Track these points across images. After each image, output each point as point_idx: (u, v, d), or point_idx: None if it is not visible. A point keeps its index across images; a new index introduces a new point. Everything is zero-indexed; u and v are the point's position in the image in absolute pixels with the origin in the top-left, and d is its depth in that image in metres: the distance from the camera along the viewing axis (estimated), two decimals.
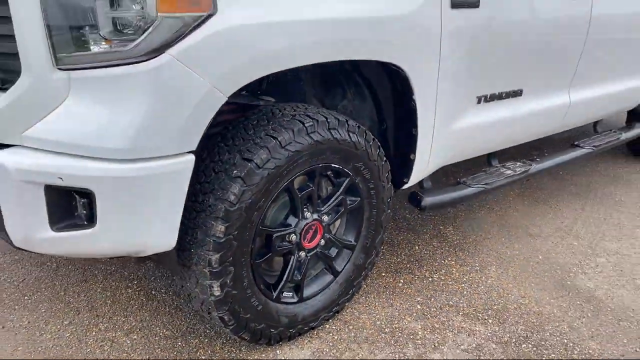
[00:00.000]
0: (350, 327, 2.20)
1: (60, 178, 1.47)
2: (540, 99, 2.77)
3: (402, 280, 2.55)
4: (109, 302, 2.27)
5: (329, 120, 1.86)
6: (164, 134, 1.48)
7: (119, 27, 1.47)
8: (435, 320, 2.28)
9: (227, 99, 1.55)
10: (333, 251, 2.13)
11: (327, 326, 2.19)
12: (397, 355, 2.06)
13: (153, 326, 2.14)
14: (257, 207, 1.73)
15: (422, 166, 2.28)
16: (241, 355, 2.02)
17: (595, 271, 2.74)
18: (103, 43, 1.48)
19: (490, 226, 3.15)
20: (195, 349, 2.04)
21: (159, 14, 1.41)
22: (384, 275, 2.58)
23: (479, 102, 2.45)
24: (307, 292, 2.08)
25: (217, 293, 1.75)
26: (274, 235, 1.88)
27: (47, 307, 2.22)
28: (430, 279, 2.58)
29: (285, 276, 1.98)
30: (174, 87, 1.47)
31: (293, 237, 1.94)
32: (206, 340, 2.09)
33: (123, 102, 1.46)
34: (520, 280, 2.62)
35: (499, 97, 2.54)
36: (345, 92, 2.30)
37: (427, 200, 2.42)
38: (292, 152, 1.75)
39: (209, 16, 1.47)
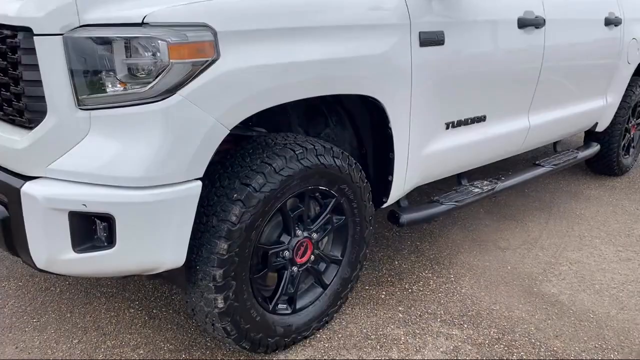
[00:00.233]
0: (340, 336, 2.40)
1: (84, 205, 1.66)
2: (502, 124, 3.06)
3: (384, 292, 2.77)
4: (114, 321, 2.43)
5: (316, 147, 2.09)
6: (176, 163, 1.69)
7: (133, 72, 1.69)
8: (416, 326, 2.50)
9: (229, 131, 1.78)
10: (322, 266, 2.35)
11: (318, 335, 2.39)
12: (383, 359, 2.27)
13: (157, 341, 2.30)
14: (255, 226, 1.94)
15: (399, 186, 2.53)
16: None
17: (559, 278, 3.01)
18: (118, 85, 1.69)
19: (463, 241, 3.40)
20: None
21: (171, 60, 1.64)
22: (367, 288, 2.80)
23: (447, 127, 2.72)
24: (299, 304, 2.28)
25: (220, 305, 1.94)
26: (270, 252, 2.09)
27: (55, 327, 2.37)
28: (409, 290, 2.80)
29: (280, 289, 2.18)
30: (184, 123, 1.69)
31: (286, 253, 2.15)
32: (208, 352, 2.26)
33: (139, 136, 1.67)
34: (492, 288, 2.86)
35: (465, 123, 2.81)
36: (328, 121, 2.54)
37: (405, 217, 2.66)
38: (285, 177, 1.98)
39: (213, 61, 1.70)
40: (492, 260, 3.17)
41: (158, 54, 1.64)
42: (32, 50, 1.66)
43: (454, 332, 2.47)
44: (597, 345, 2.45)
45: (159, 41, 1.62)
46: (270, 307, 2.16)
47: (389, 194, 2.51)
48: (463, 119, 2.78)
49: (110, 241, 1.70)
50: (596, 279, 3.02)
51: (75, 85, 1.66)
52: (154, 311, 2.51)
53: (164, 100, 1.65)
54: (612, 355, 2.38)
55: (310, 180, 2.09)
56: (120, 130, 1.68)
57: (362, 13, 2.17)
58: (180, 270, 1.88)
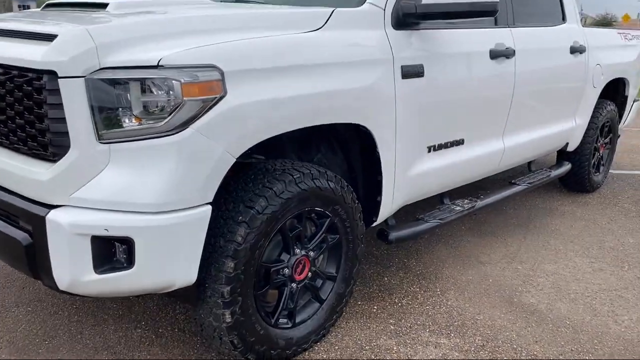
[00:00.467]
0: (336, 347, 2.57)
1: (106, 229, 1.83)
2: (479, 146, 3.30)
3: (375, 307, 2.95)
4: (123, 341, 2.56)
5: (312, 172, 2.29)
6: (189, 190, 1.88)
7: (147, 108, 1.88)
8: (406, 337, 2.68)
9: (235, 159, 1.97)
10: (318, 282, 2.53)
11: (317, 347, 2.55)
12: None
13: (166, 359, 2.45)
14: (258, 246, 2.12)
15: (388, 206, 2.73)
16: None
17: (537, 289, 3.22)
18: (134, 121, 1.88)
19: (447, 257, 3.61)
20: None
21: (184, 98, 1.83)
22: (359, 303, 2.97)
23: (429, 151, 2.94)
24: (298, 318, 2.45)
25: (228, 320, 2.11)
26: (272, 269, 2.27)
27: (67, 348, 2.49)
28: (399, 304, 2.99)
29: (281, 304, 2.35)
30: (196, 153, 1.88)
31: (286, 271, 2.33)
32: None
33: (156, 166, 1.85)
34: (475, 300, 3.06)
35: (445, 146, 3.04)
36: (319, 147, 2.75)
37: (393, 235, 2.87)
38: (285, 199, 2.17)
39: (221, 98, 1.90)
40: (475, 274, 3.38)
41: (172, 93, 1.84)
42: (56, 91, 1.84)
43: (442, 341, 2.66)
44: (573, 349, 2.65)
45: (174, 81, 1.82)
46: (273, 321, 2.33)
47: (378, 213, 2.72)
48: (443, 143, 3.01)
49: (130, 262, 1.87)
50: (571, 289, 3.24)
51: (95, 122, 1.85)
52: (160, 330, 2.66)
53: (178, 134, 1.84)
54: (587, 357, 2.58)
55: (307, 202, 2.28)
56: (138, 160, 1.86)
57: (351, 50, 2.40)
58: (191, 288, 2.05)
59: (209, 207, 1.95)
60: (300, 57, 2.18)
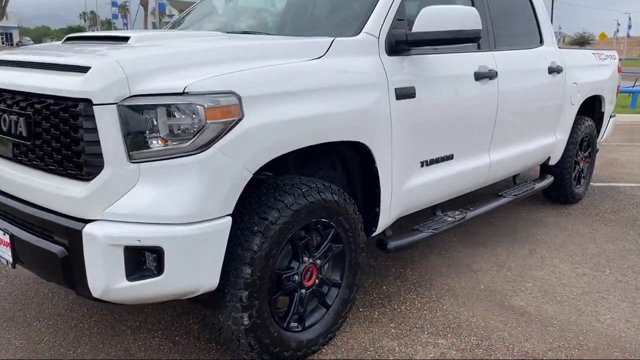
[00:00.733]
0: (342, 350, 2.77)
1: (139, 240, 2.03)
2: (467, 161, 3.55)
3: (376, 313, 3.15)
4: (143, 349, 2.73)
5: (318, 186, 2.52)
6: (212, 203, 2.09)
7: (172, 131, 2.10)
8: (407, 338, 2.89)
9: (252, 175, 2.19)
10: (325, 288, 2.73)
11: (324, 350, 2.74)
12: None
13: None
14: (272, 254, 2.33)
15: (386, 217, 2.96)
16: None
17: (526, 293, 3.45)
18: (160, 142, 2.09)
19: (441, 266, 3.83)
20: None
21: (207, 121, 2.06)
22: (361, 310, 3.17)
23: (422, 165, 3.18)
24: (308, 322, 2.64)
25: (246, 322, 2.30)
26: (283, 276, 2.47)
27: (91, 357, 2.66)
28: (398, 310, 3.20)
29: (292, 309, 2.55)
30: (218, 170, 2.09)
31: (296, 277, 2.53)
32: None
33: (182, 182, 2.06)
34: (469, 304, 3.28)
35: (436, 161, 3.29)
36: (321, 163, 2.97)
37: (392, 244, 3.09)
38: (295, 211, 2.39)
39: (239, 120, 2.13)
40: (467, 281, 3.60)
41: (196, 116, 2.06)
42: (91, 117, 2.05)
43: (440, 341, 2.87)
44: (560, 345, 2.87)
45: (198, 106, 2.05)
46: (285, 324, 2.52)
47: (377, 224, 2.94)
48: (434, 158, 3.26)
49: (159, 270, 2.06)
50: (557, 292, 3.47)
51: (126, 144, 2.06)
52: (177, 338, 2.83)
53: (202, 153, 2.06)
54: (573, 352, 2.80)
55: (314, 214, 2.50)
56: (166, 177, 2.07)
57: (351, 75, 2.66)
58: (212, 294, 2.24)
59: (230, 218, 2.16)
60: (306, 83, 2.43)
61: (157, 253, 2.06)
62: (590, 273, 3.78)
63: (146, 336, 2.85)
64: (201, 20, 4.00)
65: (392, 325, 3.02)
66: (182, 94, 2.06)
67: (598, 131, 5.68)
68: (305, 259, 2.57)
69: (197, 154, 2.06)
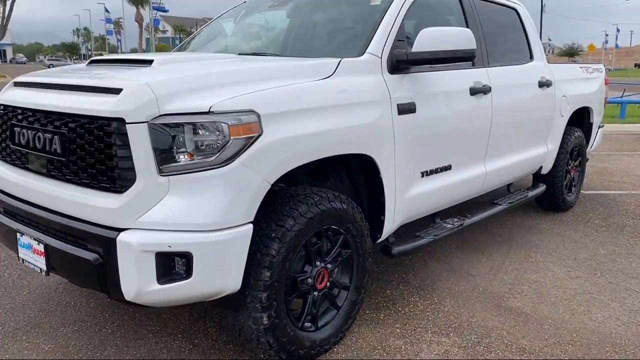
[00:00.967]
0: (352, 348, 2.95)
1: (169, 246, 2.22)
2: (464, 171, 3.77)
3: (382, 314, 3.35)
4: (165, 351, 2.91)
5: (328, 195, 2.72)
6: (236, 211, 2.29)
7: (198, 146, 2.30)
8: (412, 337, 3.08)
9: (270, 186, 2.39)
10: (335, 291, 2.92)
11: (335, 349, 2.93)
12: None
13: None
14: (288, 258, 2.53)
15: (390, 224, 3.17)
16: None
17: (522, 295, 3.65)
18: (186, 157, 2.30)
19: (441, 271, 4.04)
20: None
21: (231, 137, 2.26)
22: (368, 312, 3.37)
23: (422, 176, 3.40)
24: (320, 322, 2.84)
25: (265, 322, 2.49)
26: (298, 279, 2.66)
27: (117, 358, 2.83)
28: (402, 312, 3.39)
29: (305, 310, 2.74)
30: (240, 181, 2.29)
31: (309, 280, 2.73)
32: None
33: (208, 193, 2.26)
34: (469, 306, 3.48)
35: (436, 171, 3.50)
36: (329, 174, 3.18)
37: (396, 249, 3.29)
38: (308, 219, 2.59)
39: (259, 136, 2.34)
40: (466, 284, 3.80)
41: (220, 133, 2.27)
42: (124, 135, 2.25)
43: (443, 340, 3.06)
44: (555, 342, 3.07)
45: (222, 124, 2.25)
46: (299, 325, 2.71)
47: (382, 230, 3.14)
48: (434, 168, 3.48)
49: (188, 273, 2.25)
50: (552, 294, 3.68)
51: (157, 158, 2.26)
52: (196, 341, 3.01)
53: (226, 166, 2.26)
54: (567, 348, 3.00)
55: (325, 221, 2.70)
56: (193, 188, 2.27)
57: (357, 93, 2.88)
58: (234, 295, 2.43)
59: (251, 225, 2.36)
60: (317, 100, 2.65)
61: (186, 258, 2.25)
62: (582, 276, 3.99)
63: (167, 339, 3.03)
64: (210, 42, 4.23)
65: (397, 325, 3.21)
66: (208, 112, 2.27)
67: (587, 141, 5.94)
68: (318, 263, 2.77)
69: (222, 167, 2.27)
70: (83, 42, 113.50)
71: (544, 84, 4.70)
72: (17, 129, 2.73)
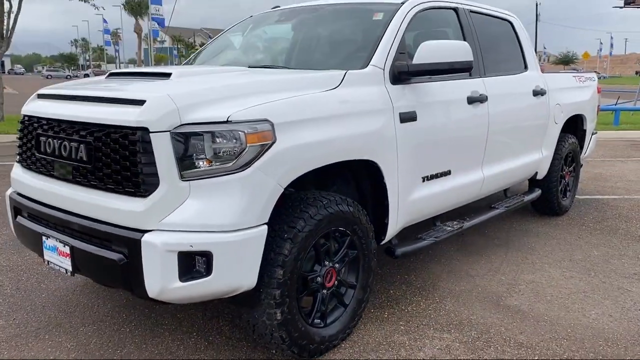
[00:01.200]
0: (359, 344, 3.12)
1: (191, 245, 2.39)
2: (463, 176, 3.96)
3: (386, 313, 3.52)
4: (182, 347, 3.07)
5: (336, 199, 2.90)
6: (252, 213, 2.46)
7: (216, 153, 2.48)
8: (415, 334, 3.25)
9: (283, 189, 2.57)
10: (342, 289, 3.09)
11: (343, 344, 3.09)
12: (395, 357, 2.99)
13: (222, 358, 2.96)
14: (299, 257, 2.70)
15: (393, 226, 3.34)
16: None
17: (519, 294, 3.82)
18: (205, 163, 2.47)
19: (441, 272, 4.21)
20: None
21: (247, 144, 2.44)
22: (372, 311, 3.53)
23: (423, 180, 3.58)
24: (329, 319, 3.00)
25: (279, 317, 2.66)
26: (309, 277, 2.83)
27: (136, 355, 2.99)
28: (406, 310, 3.56)
29: (315, 307, 2.91)
30: (256, 185, 2.47)
31: (319, 279, 2.90)
32: None
33: (226, 196, 2.44)
34: (469, 305, 3.65)
35: (436, 176, 3.69)
36: (335, 179, 3.35)
37: (399, 250, 3.47)
38: (318, 220, 2.76)
39: (272, 143, 2.52)
40: (466, 284, 3.97)
41: (237, 141, 2.44)
42: (148, 143, 2.43)
43: (444, 336, 3.23)
44: (551, 337, 3.24)
45: (240, 132, 2.43)
46: (310, 321, 2.88)
47: (386, 232, 3.32)
48: (434, 174, 3.66)
49: (208, 271, 2.42)
50: (548, 293, 3.85)
51: (178, 164, 2.44)
52: (210, 338, 3.17)
53: (243, 172, 2.44)
54: (563, 342, 3.17)
55: (333, 223, 2.87)
56: (213, 192, 2.44)
57: (362, 103, 3.06)
58: (250, 292, 2.60)
59: (266, 226, 2.53)
60: (325, 110, 2.83)
61: (207, 257, 2.42)
62: (577, 276, 4.17)
63: (183, 337, 3.19)
64: (218, 55, 4.42)
65: (401, 323, 3.38)
66: (226, 122, 2.45)
67: (581, 147, 6.13)
68: (326, 262, 2.94)
69: (239, 173, 2.44)
70: (81, 52, 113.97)
71: (538, 93, 4.90)
72: (42, 139, 2.90)
